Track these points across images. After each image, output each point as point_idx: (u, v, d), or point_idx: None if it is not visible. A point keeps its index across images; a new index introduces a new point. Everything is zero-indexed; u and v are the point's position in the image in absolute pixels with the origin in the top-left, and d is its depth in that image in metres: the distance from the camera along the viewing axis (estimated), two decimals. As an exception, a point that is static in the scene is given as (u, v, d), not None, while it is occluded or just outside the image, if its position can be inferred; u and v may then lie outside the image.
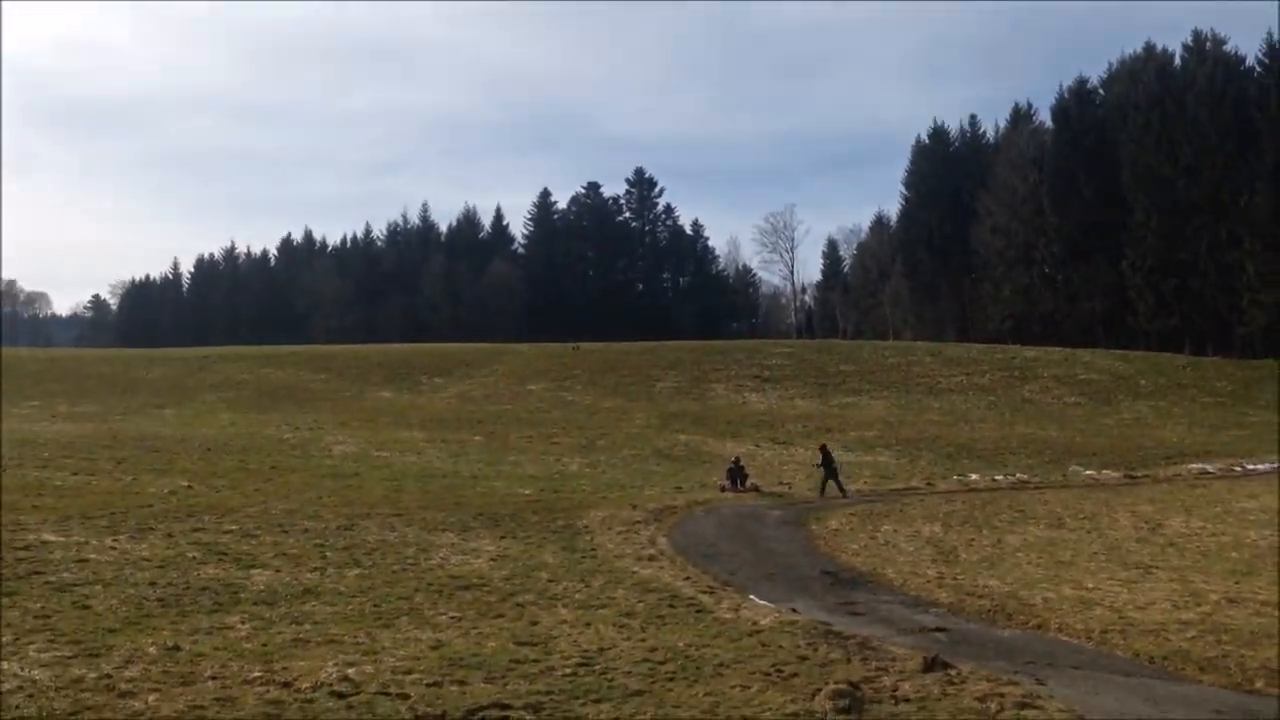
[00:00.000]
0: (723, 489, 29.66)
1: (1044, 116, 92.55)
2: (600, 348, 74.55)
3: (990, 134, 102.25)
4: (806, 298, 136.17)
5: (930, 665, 9.95)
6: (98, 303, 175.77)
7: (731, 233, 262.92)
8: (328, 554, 16.17)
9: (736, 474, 30.22)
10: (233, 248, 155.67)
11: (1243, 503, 27.10)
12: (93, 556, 14.92)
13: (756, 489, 29.79)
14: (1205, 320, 74.00)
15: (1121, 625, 13.04)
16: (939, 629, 12.98)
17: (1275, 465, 37.05)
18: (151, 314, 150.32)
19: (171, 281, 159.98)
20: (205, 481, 25.51)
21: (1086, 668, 11.16)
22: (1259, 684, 10.50)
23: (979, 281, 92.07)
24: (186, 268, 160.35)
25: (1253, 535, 21.48)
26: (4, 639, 9.94)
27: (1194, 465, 37.49)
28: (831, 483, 29.61)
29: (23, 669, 8.85)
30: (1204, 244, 71.82)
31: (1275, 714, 9.49)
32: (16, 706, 7.77)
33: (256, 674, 9.13)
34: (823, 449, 30.99)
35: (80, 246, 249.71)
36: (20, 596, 12.05)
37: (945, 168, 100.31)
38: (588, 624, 11.94)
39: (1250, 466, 37.08)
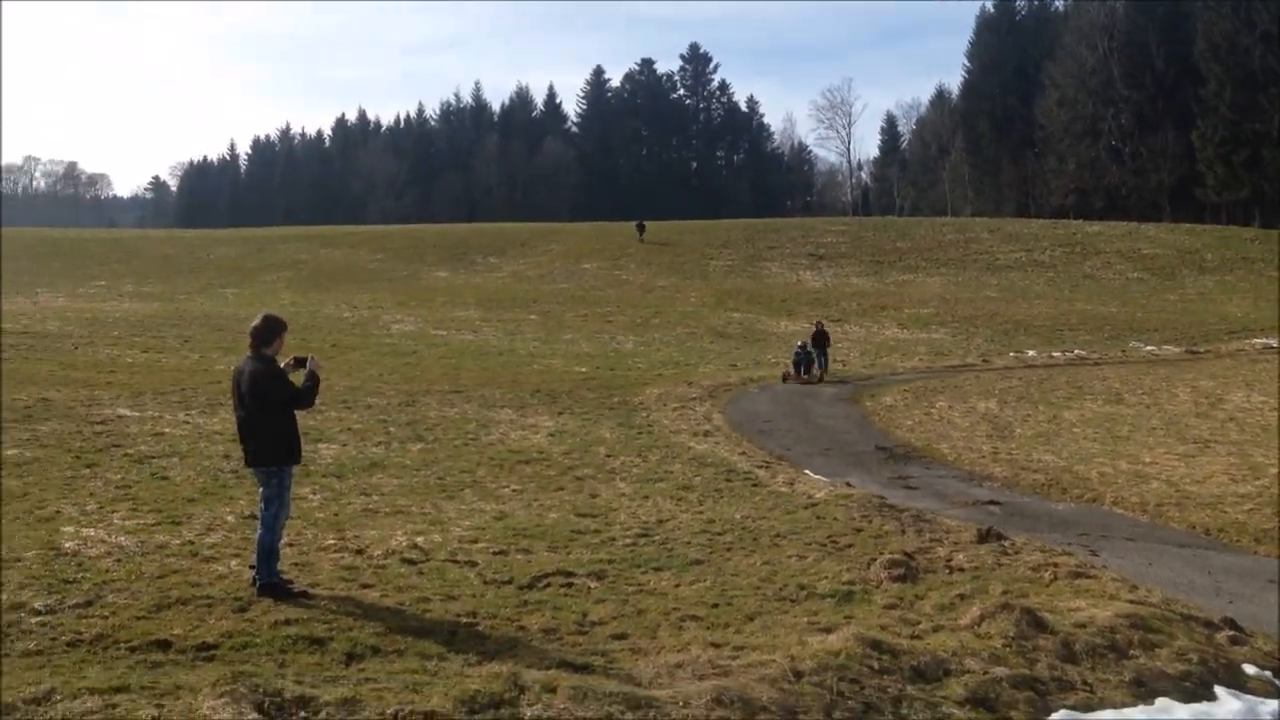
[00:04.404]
0: (785, 379, 27.22)
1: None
2: (654, 226, 74.22)
3: (1059, 2, 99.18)
4: (863, 175, 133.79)
5: (984, 536, 10.06)
6: (158, 184, 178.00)
7: (787, 110, 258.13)
8: (391, 429, 16.56)
9: (802, 359, 27.88)
10: (288, 129, 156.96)
11: (1307, 379, 26.71)
12: (168, 430, 15.41)
13: (820, 378, 27.66)
14: (1277, 192, 71.82)
15: (1177, 498, 13.07)
16: (993, 502, 13.10)
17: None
18: (210, 195, 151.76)
19: (229, 162, 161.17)
20: (270, 360, 25.95)
21: (1141, 539, 11.23)
22: (1315, 556, 10.54)
23: (1042, 156, 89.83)
24: (243, 149, 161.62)
25: (1316, 411, 21.23)
26: (89, 507, 10.38)
27: (1258, 340, 36.91)
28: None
29: (109, 535, 9.25)
30: (1278, 114, 69.30)
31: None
32: (107, 570, 8.16)
33: (330, 541, 9.50)
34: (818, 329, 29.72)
35: (139, 128, 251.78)
36: (100, 468, 12.51)
37: (1011, 38, 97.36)
38: (646, 497, 12.19)
39: (1317, 343, 36.44)
